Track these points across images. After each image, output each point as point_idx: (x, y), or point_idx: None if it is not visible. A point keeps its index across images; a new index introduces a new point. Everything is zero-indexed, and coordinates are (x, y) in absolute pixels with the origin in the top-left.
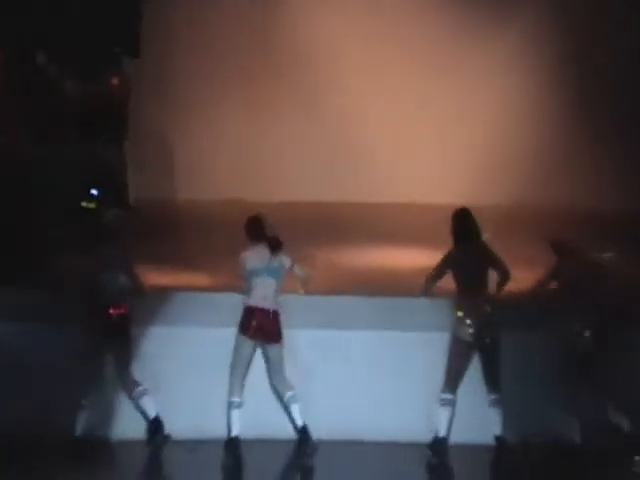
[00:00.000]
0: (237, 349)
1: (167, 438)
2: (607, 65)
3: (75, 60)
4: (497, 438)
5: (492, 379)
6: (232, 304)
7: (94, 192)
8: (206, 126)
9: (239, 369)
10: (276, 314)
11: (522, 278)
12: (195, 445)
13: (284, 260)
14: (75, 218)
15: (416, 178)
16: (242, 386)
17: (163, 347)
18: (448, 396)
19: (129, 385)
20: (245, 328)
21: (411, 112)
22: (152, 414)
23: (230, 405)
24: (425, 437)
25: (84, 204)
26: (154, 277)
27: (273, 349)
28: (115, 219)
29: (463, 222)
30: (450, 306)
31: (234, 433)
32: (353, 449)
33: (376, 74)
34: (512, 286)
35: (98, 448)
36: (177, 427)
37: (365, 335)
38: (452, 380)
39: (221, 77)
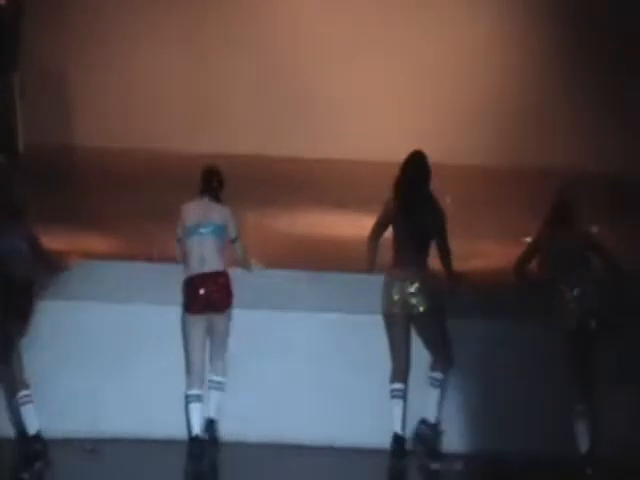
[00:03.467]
0: (186, 332)
1: (49, 463)
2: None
3: None
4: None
5: (432, 357)
6: (140, 274)
7: None
8: (117, 63)
9: (195, 355)
10: (220, 276)
11: (494, 252)
12: (93, 445)
13: (229, 221)
14: None
15: (376, 133)
16: (202, 375)
17: (58, 324)
18: (396, 385)
19: (14, 383)
20: (189, 305)
21: (373, 63)
22: (33, 430)
23: (187, 399)
24: (378, 441)
25: None
26: (45, 240)
27: (219, 319)
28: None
29: (412, 167)
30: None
31: (195, 432)
32: (288, 454)
33: (332, 23)
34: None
35: None
36: (69, 422)
37: (306, 317)
38: (398, 367)
39: (141, 4)
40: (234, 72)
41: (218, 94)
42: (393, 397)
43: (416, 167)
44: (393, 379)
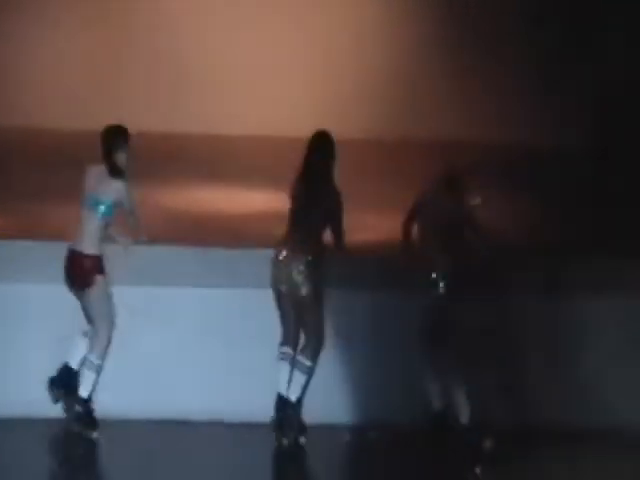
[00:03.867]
0: None
1: None
2: None
3: None
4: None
5: (304, 340)
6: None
7: None
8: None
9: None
10: (84, 257)
11: (378, 225)
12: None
13: (122, 197)
14: None
15: (264, 108)
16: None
17: None
18: (284, 349)
19: None
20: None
21: (258, 39)
22: None
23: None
24: (264, 415)
25: None
26: None
27: (85, 298)
28: None
29: (317, 148)
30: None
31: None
32: (176, 430)
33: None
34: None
35: None
36: None
37: (193, 293)
38: (286, 333)
39: None
40: (120, 53)
41: (103, 72)
42: (280, 359)
43: (322, 148)
44: (281, 342)
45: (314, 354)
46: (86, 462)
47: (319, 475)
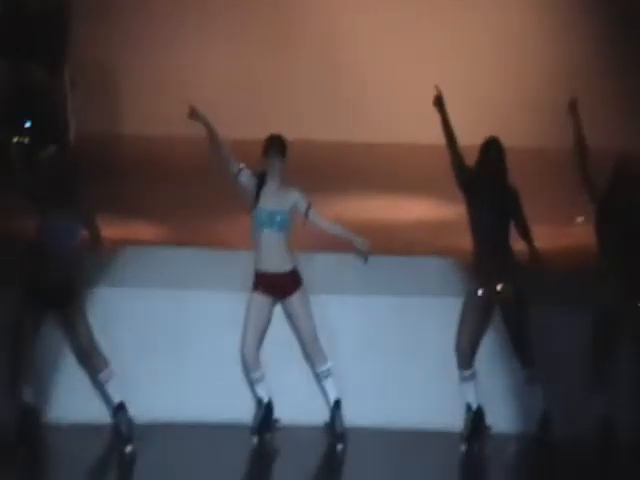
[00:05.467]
0: None
1: (132, 424)
2: None
3: None
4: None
5: (521, 349)
6: (191, 260)
7: (27, 124)
8: (165, 50)
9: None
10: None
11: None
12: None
13: (296, 199)
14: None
15: (422, 116)
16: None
17: (111, 311)
18: (465, 373)
19: (93, 362)
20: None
21: (421, 47)
22: (117, 399)
23: None
24: (441, 425)
25: (15, 138)
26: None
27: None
28: (53, 157)
29: (487, 155)
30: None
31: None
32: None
33: (380, 7)
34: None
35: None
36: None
37: (359, 301)
38: (465, 351)
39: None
40: (280, 62)
41: (263, 83)
42: (463, 381)
43: (495, 155)
44: (460, 365)
45: (525, 365)
46: None
47: None
